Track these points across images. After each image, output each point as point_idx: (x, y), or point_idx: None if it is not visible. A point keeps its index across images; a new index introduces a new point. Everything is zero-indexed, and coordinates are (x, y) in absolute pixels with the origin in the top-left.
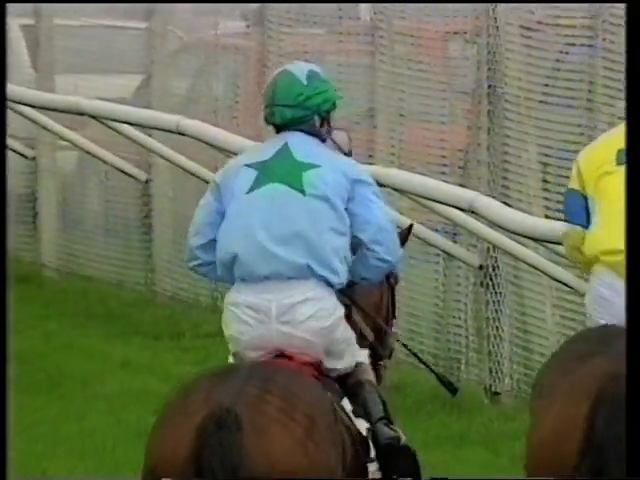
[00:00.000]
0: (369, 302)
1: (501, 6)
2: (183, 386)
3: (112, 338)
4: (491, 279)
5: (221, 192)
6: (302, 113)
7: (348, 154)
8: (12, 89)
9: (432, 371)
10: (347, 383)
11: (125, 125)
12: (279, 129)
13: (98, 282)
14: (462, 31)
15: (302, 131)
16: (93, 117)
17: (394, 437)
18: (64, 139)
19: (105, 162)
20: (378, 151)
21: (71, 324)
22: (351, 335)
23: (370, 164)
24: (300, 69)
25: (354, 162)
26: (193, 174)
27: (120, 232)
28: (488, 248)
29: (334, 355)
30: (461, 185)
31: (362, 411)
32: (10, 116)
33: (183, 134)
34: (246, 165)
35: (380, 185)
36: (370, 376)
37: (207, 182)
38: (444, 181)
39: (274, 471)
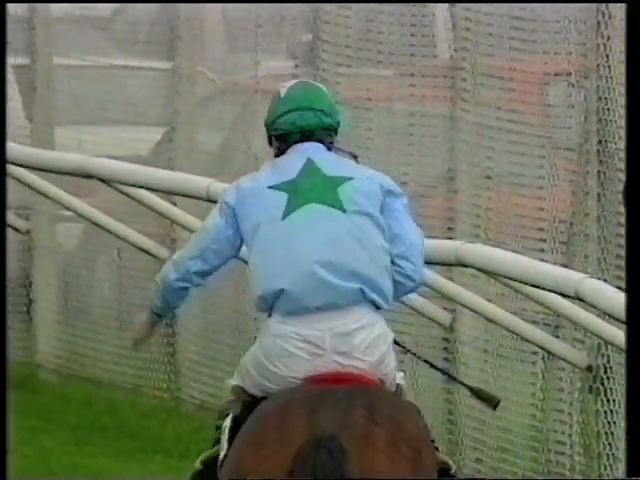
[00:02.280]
0: None
1: (615, 41)
2: (274, 407)
3: (125, 457)
4: (602, 383)
5: (237, 217)
6: (335, 123)
7: None
8: None
9: (463, 384)
10: None
11: (142, 190)
12: (291, 142)
13: (108, 387)
14: (565, 72)
15: (321, 142)
16: (102, 180)
17: (445, 463)
18: (66, 208)
19: (117, 237)
20: (459, 222)
21: (74, 439)
22: (394, 359)
23: (449, 238)
24: (304, 80)
25: (381, 174)
26: None
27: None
28: (599, 344)
29: (384, 381)
30: (564, 265)
31: None
32: None
33: (215, 201)
34: (270, 187)
35: (462, 265)
36: (411, 397)
37: (245, 262)
38: (543, 260)
39: None
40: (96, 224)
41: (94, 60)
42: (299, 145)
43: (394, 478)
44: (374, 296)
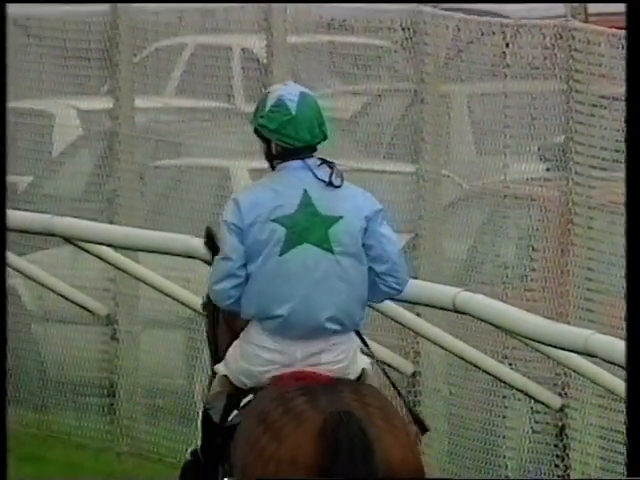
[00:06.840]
0: (235, 325)
1: None
2: (267, 403)
3: None
4: None
5: (244, 237)
6: (323, 137)
7: None
8: None
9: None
10: None
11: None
12: (286, 156)
13: None
14: None
15: (313, 154)
16: None
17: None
18: None
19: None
20: None
21: None
22: (357, 349)
23: None
24: (303, 90)
25: (364, 194)
26: (474, 365)
27: None
28: None
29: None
30: None
31: None
32: None
33: (462, 312)
34: (272, 220)
35: None
36: (374, 382)
37: (495, 377)
38: None
39: (407, 469)
40: None
41: (337, 163)
42: (295, 165)
43: (404, 445)
44: (348, 328)
